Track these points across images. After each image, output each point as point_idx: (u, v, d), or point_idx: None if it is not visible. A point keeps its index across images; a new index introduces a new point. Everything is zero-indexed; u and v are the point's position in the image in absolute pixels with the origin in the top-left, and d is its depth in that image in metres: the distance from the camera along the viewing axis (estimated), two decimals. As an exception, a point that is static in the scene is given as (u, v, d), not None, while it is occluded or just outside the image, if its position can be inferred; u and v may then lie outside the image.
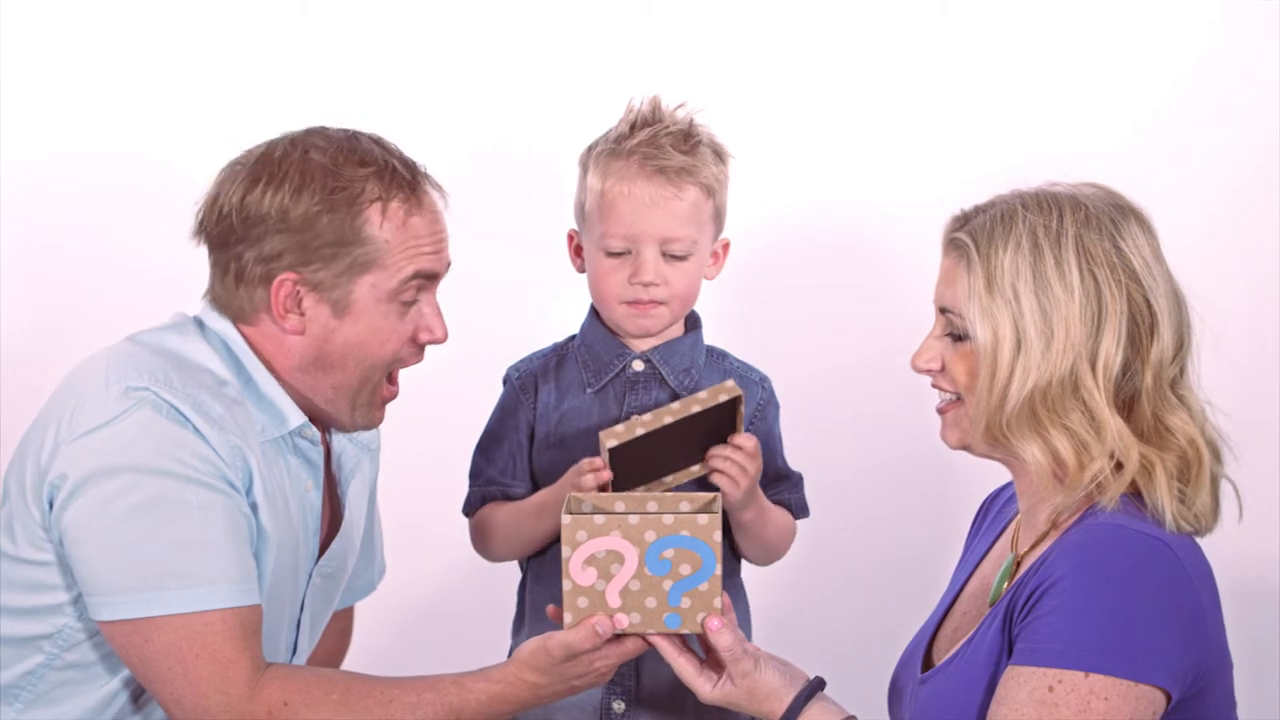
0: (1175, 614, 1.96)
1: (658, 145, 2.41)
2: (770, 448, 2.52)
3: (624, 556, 2.11)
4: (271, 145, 2.27)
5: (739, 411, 2.36)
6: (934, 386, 2.14)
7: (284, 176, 2.23)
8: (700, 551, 2.11)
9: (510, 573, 2.59)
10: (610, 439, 2.28)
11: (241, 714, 2.15)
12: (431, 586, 3.49)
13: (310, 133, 2.28)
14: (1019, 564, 2.12)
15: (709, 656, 2.19)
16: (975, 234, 2.06)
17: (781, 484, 2.53)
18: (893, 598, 3.34)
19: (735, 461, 2.37)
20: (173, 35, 3.43)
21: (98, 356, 2.26)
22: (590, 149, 2.47)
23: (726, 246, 2.51)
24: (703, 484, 2.41)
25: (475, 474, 2.54)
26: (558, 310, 2.70)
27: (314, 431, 2.31)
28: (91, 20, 3.42)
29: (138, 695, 2.28)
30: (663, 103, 2.46)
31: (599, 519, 2.11)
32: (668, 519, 2.11)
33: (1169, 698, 1.97)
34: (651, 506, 2.22)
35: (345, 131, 2.29)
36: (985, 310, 2.04)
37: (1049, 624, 1.97)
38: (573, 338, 2.54)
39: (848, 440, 3.47)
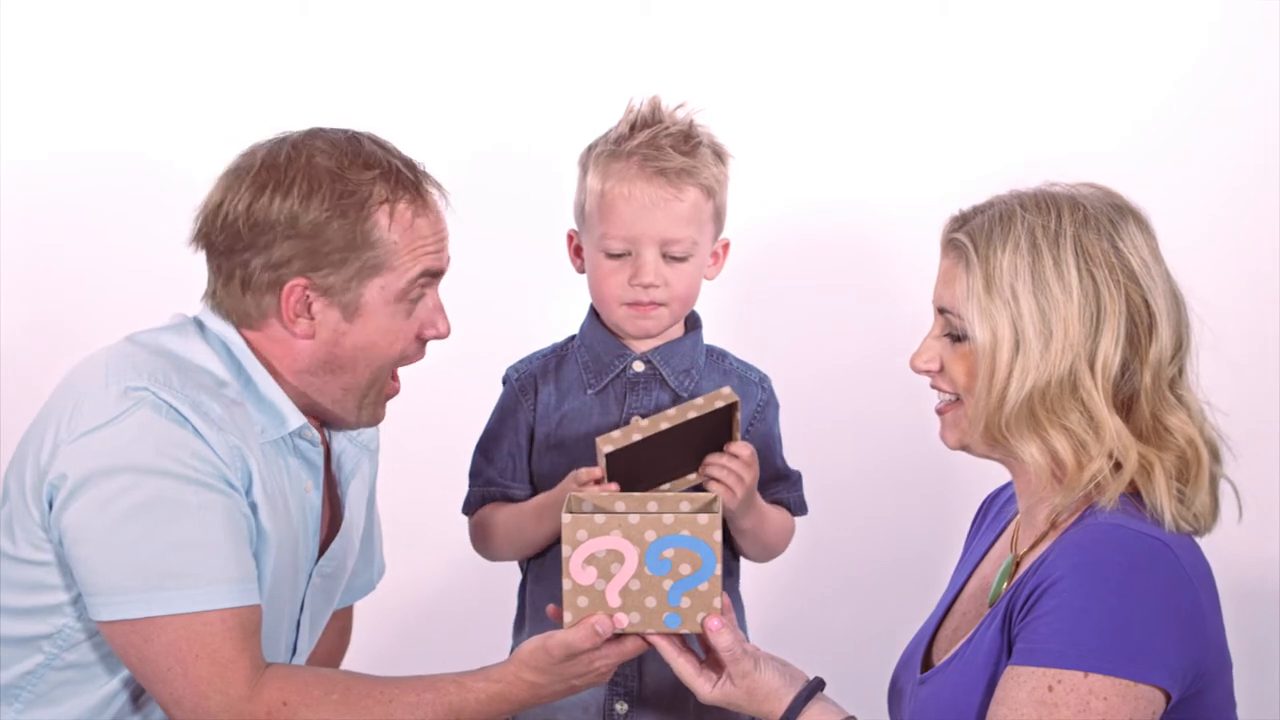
0: (1174, 614, 1.96)
1: (658, 146, 2.41)
2: (770, 447, 2.52)
3: (624, 556, 2.11)
4: (273, 150, 2.26)
5: (735, 418, 2.35)
6: (933, 387, 2.14)
7: (291, 182, 2.23)
8: (700, 551, 2.11)
9: (510, 572, 2.59)
10: (607, 444, 2.28)
11: (241, 714, 2.15)
12: (431, 586, 3.49)
13: (310, 135, 2.28)
14: (1018, 564, 2.12)
15: (709, 656, 2.19)
16: (974, 235, 2.06)
17: (780, 483, 2.53)
18: (893, 598, 3.34)
19: (732, 470, 2.37)
20: (173, 35, 3.43)
21: (97, 356, 2.26)
22: (590, 149, 2.47)
23: (726, 246, 2.51)
24: (700, 490, 2.40)
25: (475, 474, 2.54)
26: (558, 310, 2.70)
27: (314, 432, 2.31)
28: (91, 20, 3.42)
29: (137, 695, 2.28)
30: (662, 103, 2.45)
31: (599, 518, 2.11)
32: (668, 518, 2.11)
33: (1168, 697, 1.97)
34: (652, 506, 2.22)
35: (344, 132, 2.29)
36: (984, 311, 2.04)
37: (1048, 624, 1.97)
38: (572, 338, 2.54)
39: (848, 440, 3.47)
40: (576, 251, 2.52)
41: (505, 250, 3.41)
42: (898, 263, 3.39)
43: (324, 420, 2.36)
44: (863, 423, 3.48)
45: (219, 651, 2.15)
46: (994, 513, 2.32)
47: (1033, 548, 2.10)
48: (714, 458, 2.37)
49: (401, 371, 2.35)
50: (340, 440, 2.40)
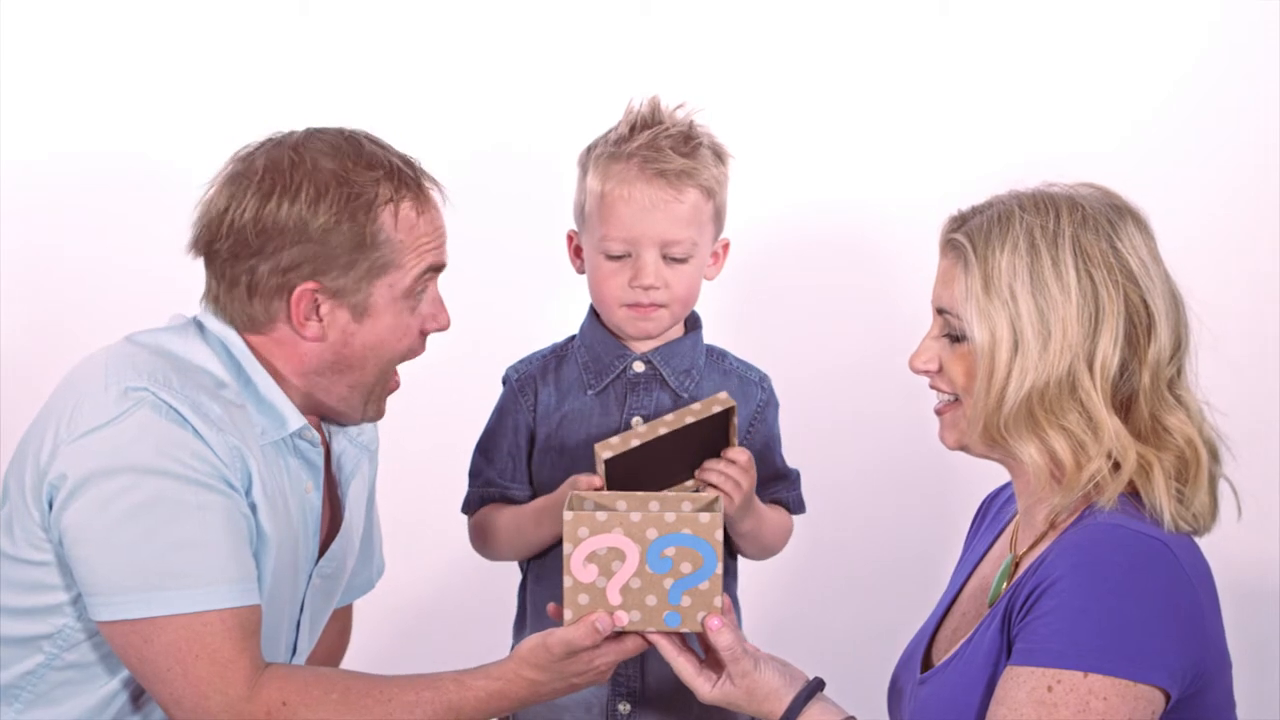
0: (1173, 613, 1.96)
1: (657, 148, 2.40)
2: (769, 447, 2.52)
3: (625, 554, 2.11)
4: (274, 154, 2.25)
5: (732, 423, 2.35)
6: (932, 387, 2.15)
7: (298, 187, 2.22)
8: (701, 550, 2.11)
9: (510, 572, 2.59)
10: (605, 450, 2.28)
11: (240, 714, 2.15)
12: (431, 586, 3.49)
13: (308, 136, 2.28)
14: (1017, 564, 2.12)
15: (709, 656, 2.19)
16: (972, 235, 2.06)
17: (779, 483, 2.53)
18: (892, 598, 3.34)
19: (729, 476, 2.36)
20: (173, 35, 3.43)
21: (96, 357, 2.26)
22: (590, 150, 2.47)
23: (726, 247, 2.51)
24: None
25: (475, 474, 2.54)
26: (558, 310, 2.70)
27: (314, 433, 2.31)
28: (91, 20, 3.42)
29: (137, 695, 2.28)
30: (662, 103, 2.45)
31: (601, 516, 2.11)
32: (669, 517, 2.11)
33: (1168, 697, 1.97)
34: (653, 505, 2.22)
35: (340, 132, 2.29)
36: (982, 311, 2.04)
37: (1047, 624, 1.97)
38: (572, 338, 2.54)
39: (848, 440, 3.47)
40: (576, 252, 2.51)
41: (505, 250, 3.41)
42: (898, 263, 3.39)
43: (327, 417, 2.36)
44: (863, 423, 3.48)
45: (219, 651, 2.15)
46: (993, 513, 2.32)
47: (1032, 548, 2.10)
48: (712, 463, 2.37)
49: (402, 371, 2.36)
50: (340, 441, 2.41)
